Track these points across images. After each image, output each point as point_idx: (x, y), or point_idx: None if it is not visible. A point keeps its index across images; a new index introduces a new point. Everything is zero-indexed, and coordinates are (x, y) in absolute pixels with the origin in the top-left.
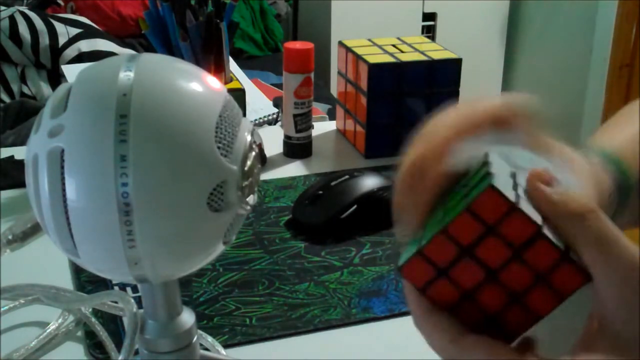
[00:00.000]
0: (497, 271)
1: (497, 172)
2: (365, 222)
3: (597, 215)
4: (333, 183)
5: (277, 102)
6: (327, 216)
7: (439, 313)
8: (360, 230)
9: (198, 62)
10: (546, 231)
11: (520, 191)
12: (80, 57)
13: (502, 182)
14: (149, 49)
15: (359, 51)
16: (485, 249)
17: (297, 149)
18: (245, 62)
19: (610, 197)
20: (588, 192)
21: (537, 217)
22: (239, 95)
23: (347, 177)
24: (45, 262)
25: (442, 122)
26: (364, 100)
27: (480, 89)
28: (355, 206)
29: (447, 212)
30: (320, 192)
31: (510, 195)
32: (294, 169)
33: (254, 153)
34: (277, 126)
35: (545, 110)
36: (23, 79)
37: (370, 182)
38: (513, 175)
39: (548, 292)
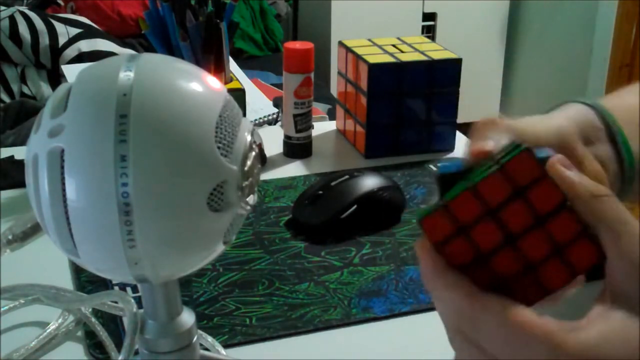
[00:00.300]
0: (517, 236)
1: None
2: (365, 222)
3: (613, 198)
4: (333, 183)
5: (277, 102)
6: (327, 216)
7: (454, 272)
8: (360, 230)
9: (198, 62)
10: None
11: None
12: (80, 57)
13: None
14: (149, 49)
15: (359, 51)
16: (510, 212)
17: (297, 149)
18: (245, 62)
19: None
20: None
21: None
22: (239, 95)
23: (347, 177)
24: (45, 262)
25: None
26: (364, 100)
27: (480, 89)
28: (355, 206)
29: (471, 179)
30: (320, 192)
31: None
32: (294, 169)
33: (254, 153)
34: (277, 126)
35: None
36: (23, 79)
37: (370, 182)
38: None
39: (562, 266)
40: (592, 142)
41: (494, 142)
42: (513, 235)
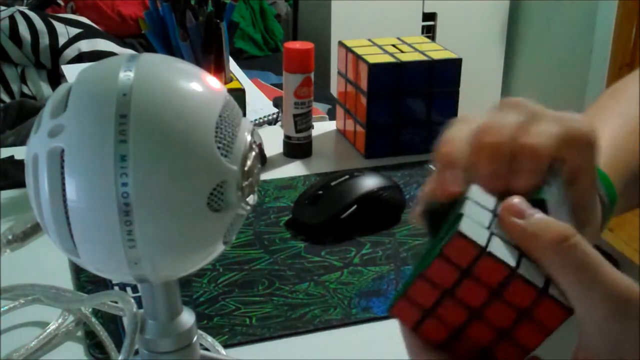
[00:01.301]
0: (480, 310)
1: (474, 210)
2: (365, 222)
3: (575, 242)
4: (333, 183)
5: (277, 102)
6: (327, 216)
7: (434, 352)
8: (360, 230)
9: (198, 62)
10: (522, 269)
11: (498, 226)
12: (80, 57)
13: (480, 218)
14: (149, 49)
15: (359, 51)
16: (465, 290)
17: (297, 149)
18: (245, 62)
19: None
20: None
21: (513, 254)
22: (239, 95)
23: (347, 177)
24: (45, 262)
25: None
26: (364, 100)
27: (480, 89)
28: (355, 206)
29: (434, 244)
30: (320, 192)
31: (484, 234)
32: (294, 169)
33: (254, 153)
34: (277, 126)
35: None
36: (23, 79)
37: (370, 182)
38: (495, 207)
39: (533, 327)
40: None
41: (458, 180)
42: (475, 309)
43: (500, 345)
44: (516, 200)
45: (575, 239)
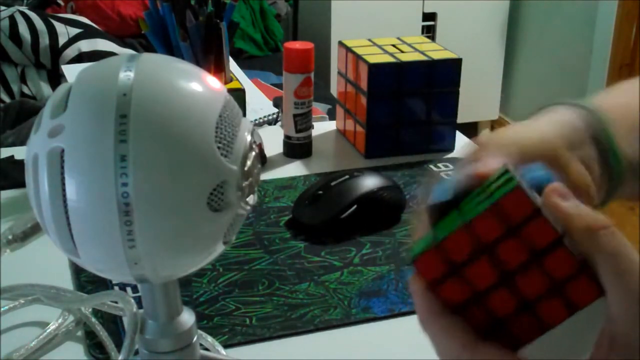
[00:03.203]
0: (513, 274)
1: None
2: (365, 222)
3: (613, 230)
4: (333, 183)
5: (277, 102)
6: (327, 216)
7: (449, 316)
8: (360, 230)
9: (198, 62)
10: (567, 241)
11: (539, 203)
12: (80, 57)
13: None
14: (149, 49)
15: (358, 51)
16: (505, 249)
17: (297, 149)
18: (245, 62)
19: (586, 147)
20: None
21: (558, 227)
22: (239, 95)
23: (347, 177)
24: (45, 262)
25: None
26: (363, 100)
27: (480, 89)
28: (355, 206)
29: (464, 213)
30: (320, 192)
31: (537, 199)
32: (294, 169)
33: (253, 153)
34: (277, 126)
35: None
36: (23, 79)
37: (370, 182)
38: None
39: (560, 302)
40: (576, 146)
41: (484, 165)
42: (509, 272)
43: (518, 318)
44: (560, 184)
45: (613, 228)
